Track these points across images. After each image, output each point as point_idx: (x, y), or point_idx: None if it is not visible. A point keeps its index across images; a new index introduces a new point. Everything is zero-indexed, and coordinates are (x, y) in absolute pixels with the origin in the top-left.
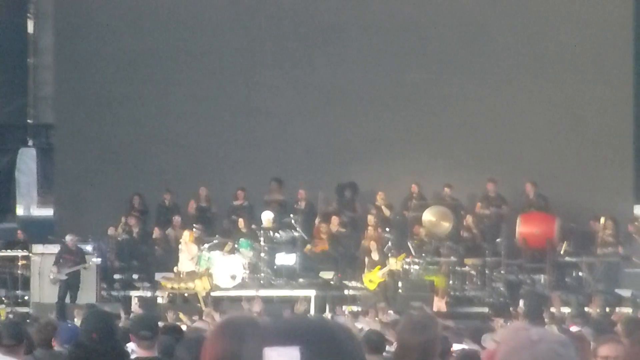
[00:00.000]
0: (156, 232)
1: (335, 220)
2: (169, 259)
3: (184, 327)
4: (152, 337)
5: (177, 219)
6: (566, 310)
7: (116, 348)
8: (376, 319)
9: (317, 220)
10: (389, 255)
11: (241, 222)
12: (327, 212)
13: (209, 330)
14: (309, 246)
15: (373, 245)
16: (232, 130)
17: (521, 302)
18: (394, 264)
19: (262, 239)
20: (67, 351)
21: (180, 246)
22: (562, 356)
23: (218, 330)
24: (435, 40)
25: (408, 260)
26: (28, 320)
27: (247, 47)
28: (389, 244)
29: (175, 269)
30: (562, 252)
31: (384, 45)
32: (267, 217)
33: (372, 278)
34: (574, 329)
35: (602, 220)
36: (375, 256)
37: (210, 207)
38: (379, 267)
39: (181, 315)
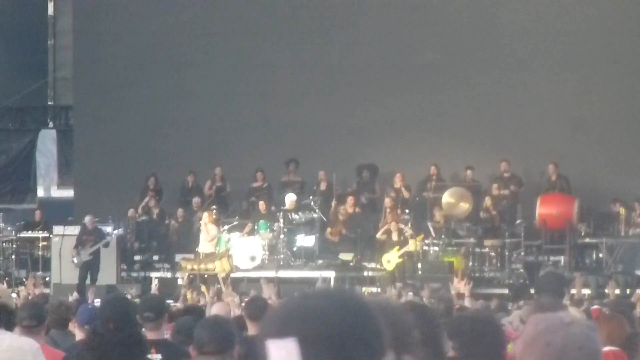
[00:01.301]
0: (180, 213)
1: (350, 200)
2: (189, 240)
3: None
4: (156, 318)
5: (196, 200)
6: (586, 291)
7: (133, 336)
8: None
9: (333, 203)
10: (408, 236)
11: (262, 204)
12: (343, 193)
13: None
14: (329, 229)
15: (393, 226)
16: (248, 111)
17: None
18: (412, 245)
19: (281, 220)
20: (85, 337)
21: (200, 227)
22: (593, 340)
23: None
24: (451, 20)
25: (427, 241)
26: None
27: (262, 28)
28: (409, 225)
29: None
30: (582, 234)
31: (401, 25)
32: (290, 198)
33: (390, 258)
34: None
35: (621, 205)
36: (394, 237)
37: (225, 186)
38: (397, 247)
39: (203, 288)
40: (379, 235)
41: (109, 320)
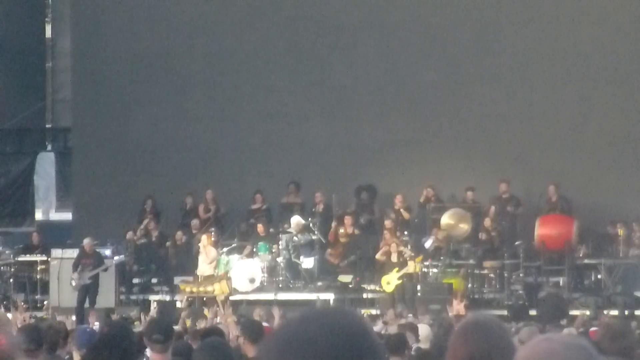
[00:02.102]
0: (179, 236)
1: (348, 220)
2: (188, 263)
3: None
4: (165, 341)
5: (194, 222)
6: (585, 312)
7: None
8: (394, 321)
9: (333, 224)
10: (407, 257)
11: (260, 227)
12: (343, 214)
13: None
14: (329, 251)
15: (393, 247)
16: (248, 132)
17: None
18: (412, 266)
19: (280, 242)
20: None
21: (198, 250)
22: None
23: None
24: (451, 41)
25: (427, 262)
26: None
27: (263, 49)
28: (408, 246)
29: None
30: (581, 255)
31: (400, 47)
32: (296, 221)
33: (390, 280)
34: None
35: (620, 226)
36: (394, 258)
37: (219, 208)
38: (396, 269)
39: (206, 312)
40: (378, 256)
41: (103, 326)
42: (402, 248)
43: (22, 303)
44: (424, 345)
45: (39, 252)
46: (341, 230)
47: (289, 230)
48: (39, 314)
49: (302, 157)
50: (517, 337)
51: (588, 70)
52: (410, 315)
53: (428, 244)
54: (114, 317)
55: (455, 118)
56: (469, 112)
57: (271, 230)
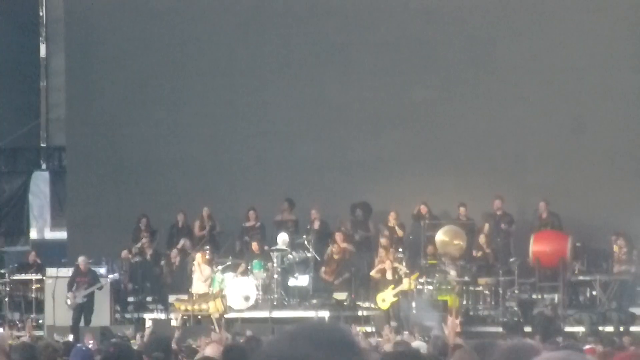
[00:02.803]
0: (173, 254)
1: (339, 237)
2: (182, 281)
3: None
4: (165, 358)
5: (187, 242)
6: (580, 329)
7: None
8: (388, 338)
9: (329, 242)
10: (403, 275)
11: (255, 245)
12: (336, 230)
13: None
14: (324, 268)
15: (387, 264)
16: (241, 150)
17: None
18: (407, 284)
19: (275, 260)
20: None
21: (193, 268)
22: None
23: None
24: (444, 58)
25: (421, 280)
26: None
27: (256, 66)
28: (403, 263)
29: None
30: (575, 271)
31: (393, 64)
32: (282, 238)
33: (385, 297)
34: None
35: (614, 238)
36: (389, 276)
37: (215, 226)
38: (392, 286)
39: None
40: (373, 273)
41: (110, 345)
42: (397, 265)
43: (30, 322)
44: None
45: (34, 271)
46: (334, 247)
47: (279, 247)
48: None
49: (296, 174)
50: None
51: (581, 87)
52: (406, 332)
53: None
54: (112, 337)
55: (448, 135)
56: (461, 129)
57: (266, 247)
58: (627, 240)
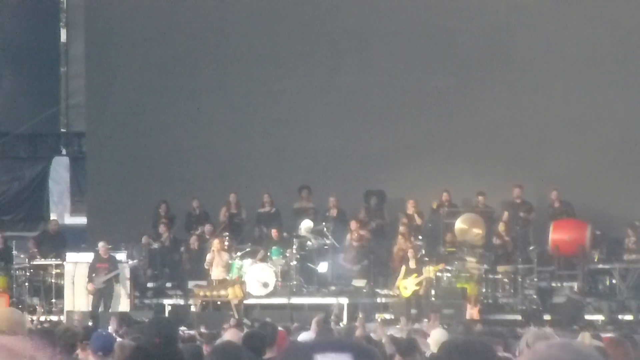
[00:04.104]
0: (193, 240)
1: (354, 224)
2: (201, 267)
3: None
4: (168, 343)
5: (208, 227)
6: (599, 317)
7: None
8: (408, 326)
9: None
10: (426, 264)
11: (274, 232)
12: (355, 219)
13: None
14: (343, 254)
15: (411, 253)
16: (259, 137)
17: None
18: (429, 272)
19: (294, 246)
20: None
21: (208, 255)
22: None
23: None
24: (462, 46)
25: (440, 267)
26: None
27: (274, 54)
28: (423, 252)
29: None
30: (595, 259)
31: (410, 52)
32: (306, 225)
33: (407, 285)
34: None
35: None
36: (412, 264)
37: (240, 213)
38: (415, 274)
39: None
40: (394, 261)
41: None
42: (421, 253)
43: (39, 307)
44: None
45: (54, 257)
46: (354, 235)
47: (301, 234)
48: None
49: (313, 162)
50: (524, 339)
51: (600, 74)
52: (426, 320)
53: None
54: (131, 322)
55: (466, 123)
56: (480, 117)
57: (285, 234)
58: (634, 230)
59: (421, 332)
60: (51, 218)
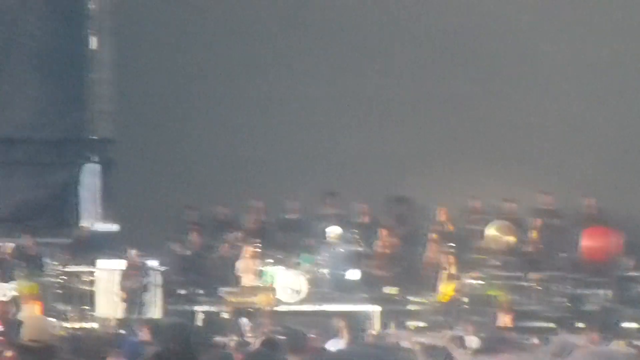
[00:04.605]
0: (224, 247)
1: (384, 232)
2: (232, 274)
3: None
4: (184, 350)
5: (238, 234)
6: (634, 325)
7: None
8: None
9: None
10: (459, 270)
11: (305, 239)
12: (384, 225)
13: None
14: (374, 261)
15: (451, 259)
16: (285, 142)
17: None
18: (468, 279)
19: (324, 253)
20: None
21: (240, 261)
22: None
23: None
24: (488, 50)
25: (472, 275)
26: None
27: (297, 58)
28: (453, 258)
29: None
30: (626, 266)
31: (436, 56)
32: (333, 231)
33: (447, 291)
34: None
35: None
36: (453, 270)
37: (267, 219)
38: (454, 281)
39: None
40: (426, 268)
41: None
42: (455, 260)
43: (70, 314)
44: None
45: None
46: (385, 242)
47: (330, 241)
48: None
49: (338, 167)
50: (550, 349)
51: (629, 79)
52: (458, 327)
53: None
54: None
55: (493, 128)
56: (507, 123)
57: (314, 240)
58: None
59: (458, 340)
60: (81, 225)
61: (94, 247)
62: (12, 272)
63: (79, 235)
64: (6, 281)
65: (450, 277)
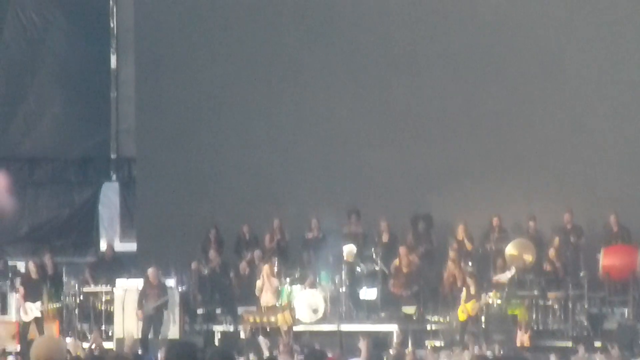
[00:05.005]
0: (243, 266)
1: (403, 250)
2: (251, 292)
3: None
4: None
5: (257, 253)
6: None
7: None
8: (464, 352)
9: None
10: (480, 290)
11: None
12: (407, 244)
13: None
14: (392, 281)
15: (472, 279)
16: (308, 161)
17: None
18: (489, 299)
19: (343, 272)
20: None
21: (260, 280)
22: None
23: None
24: (513, 68)
25: (491, 293)
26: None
27: (324, 76)
28: (473, 277)
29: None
30: None
31: (461, 74)
32: (348, 250)
33: (466, 310)
34: None
35: None
36: (472, 290)
37: (285, 238)
38: (474, 300)
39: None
40: (444, 287)
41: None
42: (474, 279)
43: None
44: None
45: (104, 282)
46: (404, 261)
47: (345, 259)
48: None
49: (362, 184)
50: None
51: None
52: (477, 346)
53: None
54: None
55: (516, 146)
56: (530, 141)
57: (331, 259)
58: None
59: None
60: (101, 243)
61: (116, 266)
62: (38, 291)
63: (104, 255)
64: (32, 301)
65: (469, 296)
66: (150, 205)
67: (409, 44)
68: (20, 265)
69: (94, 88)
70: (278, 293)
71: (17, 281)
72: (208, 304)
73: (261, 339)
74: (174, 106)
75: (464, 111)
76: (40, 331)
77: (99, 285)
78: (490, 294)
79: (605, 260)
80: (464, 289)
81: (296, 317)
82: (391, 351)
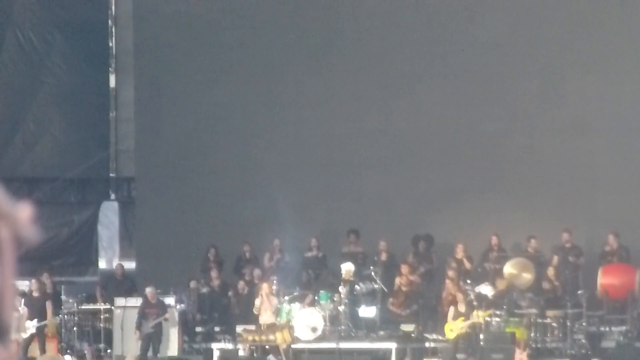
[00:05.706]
0: (241, 285)
1: (405, 268)
2: (250, 311)
3: None
4: None
5: (257, 272)
6: None
7: None
8: None
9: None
10: (474, 307)
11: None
12: (405, 263)
13: None
14: (391, 300)
15: (460, 297)
16: (308, 181)
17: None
18: (479, 317)
19: (342, 291)
20: None
21: (257, 299)
22: None
23: None
24: (513, 90)
25: (490, 312)
26: None
27: (324, 98)
28: (472, 296)
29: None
30: None
31: (461, 95)
32: (347, 268)
33: (453, 328)
34: None
35: None
36: (461, 308)
37: (284, 257)
38: (462, 318)
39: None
40: (443, 306)
41: None
42: (470, 297)
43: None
44: None
45: (102, 301)
46: (403, 279)
47: (343, 277)
48: None
49: (363, 204)
50: None
51: None
52: None
53: (484, 290)
54: None
55: (516, 167)
56: (529, 161)
57: (331, 278)
58: None
59: None
60: (100, 263)
61: (127, 284)
62: (37, 310)
63: (115, 273)
64: (31, 319)
65: (457, 314)
66: (149, 224)
67: (409, 65)
68: (20, 284)
69: (93, 108)
70: (277, 312)
71: (21, 301)
72: (207, 323)
73: (271, 358)
74: (173, 126)
75: (463, 132)
76: (42, 350)
77: (97, 303)
78: (480, 312)
79: (604, 279)
80: (451, 306)
81: (295, 335)
82: None
